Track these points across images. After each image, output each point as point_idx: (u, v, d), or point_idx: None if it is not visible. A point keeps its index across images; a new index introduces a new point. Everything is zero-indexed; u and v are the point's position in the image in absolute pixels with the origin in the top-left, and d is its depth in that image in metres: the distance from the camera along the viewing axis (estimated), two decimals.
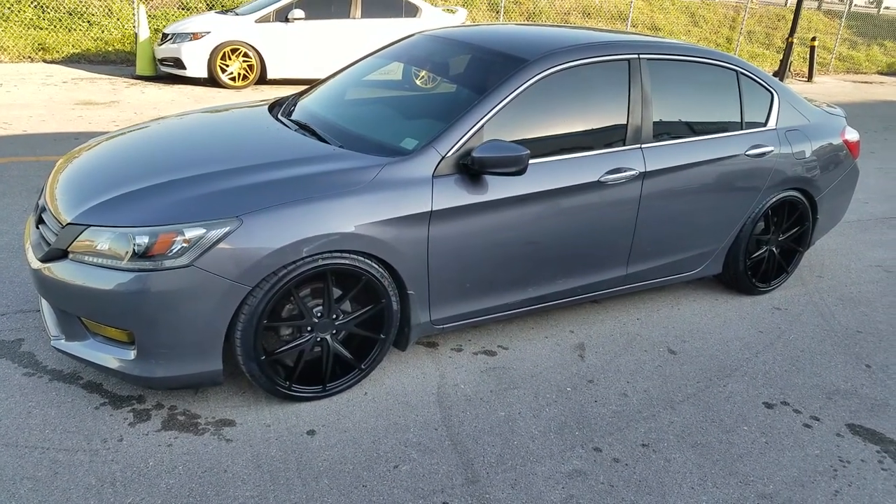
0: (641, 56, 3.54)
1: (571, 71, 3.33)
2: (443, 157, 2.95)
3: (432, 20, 10.55)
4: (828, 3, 26.50)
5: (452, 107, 3.19)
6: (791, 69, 16.04)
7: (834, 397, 3.32)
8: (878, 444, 3.00)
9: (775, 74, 15.82)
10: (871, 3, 28.59)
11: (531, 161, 3.15)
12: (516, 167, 2.90)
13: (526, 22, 8.78)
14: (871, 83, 17.32)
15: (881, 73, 19.94)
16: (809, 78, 16.12)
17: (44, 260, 2.69)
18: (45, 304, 2.90)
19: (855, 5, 26.97)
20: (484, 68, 3.38)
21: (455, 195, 2.95)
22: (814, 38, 16.02)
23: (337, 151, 3.01)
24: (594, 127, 3.40)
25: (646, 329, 3.80)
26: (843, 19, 19.77)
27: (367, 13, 10.11)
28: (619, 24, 18.35)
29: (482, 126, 3.05)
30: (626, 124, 3.46)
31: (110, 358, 2.63)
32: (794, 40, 15.48)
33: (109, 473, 2.42)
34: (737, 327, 3.92)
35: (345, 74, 4.04)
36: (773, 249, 4.31)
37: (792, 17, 15.59)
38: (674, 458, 2.77)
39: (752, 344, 3.75)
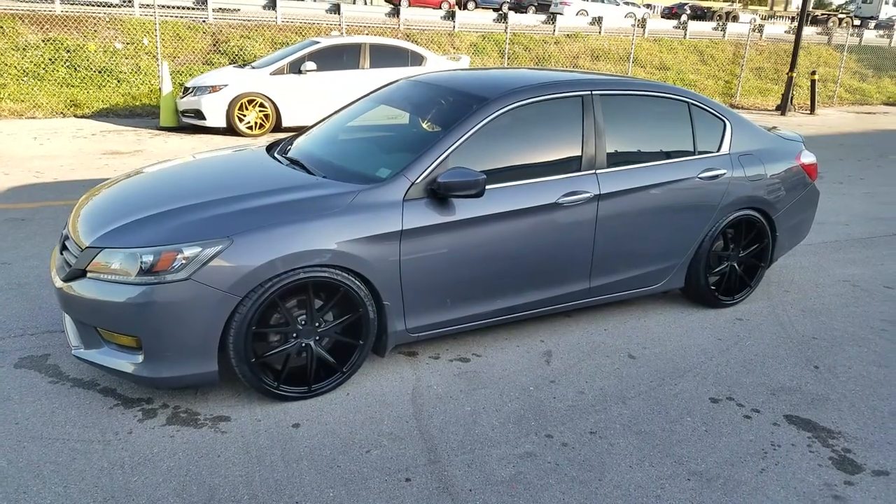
0: (594, 92, 3.97)
1: (529, 107, 3.77)
2: (412, 184, 3.38)
3: (437, 68, 11.13)
4: (839, 36, 26.90)
5: (425, 141, 3.63)
6: (794, 102, 16.41)
7: (778, 393, 3.62)
8: (811, 432, 3.29)
9: (778, 108, 16.20)
10: (882, 35, 28.90)
11: (494, 186, 3.57)
12: (474, 189, 3.33)
13: (530, 67, 9.32)
14: (874, 114, 17.61)
15: (886, 104, 20.21)
16: (812, 110, 16.46)
17: (66, 280, 3.14)
18: (67, 319, 3.34)
19: (865, 39, 27.33)
20: (452, 107, 3.83)
21: (424, 216, 3.37)
22: (814, 72, 16.42)
23: (319, 181, 3.46)
24: (552, 155, 3.82)
25: (611, 338, 4.14)
26: (844, 52, 20.16)
27: (375, 63, 10.74)
28: (626, 64, 18.92)
29: (447, 156, 3.48)
30: (581, 153, 3.87)
31: (122, 362, 3.06)
32: (795, 74, 15.88)
33: (119, 459, 2.82)
34: (697, 336, 4.25)
35: (336, 117, 4.52)
36: (735, 265, 4.65)
37: (801, 53, 16.01)
38: (617, 443, 3.10)
39: (709, 350, 4.07)
